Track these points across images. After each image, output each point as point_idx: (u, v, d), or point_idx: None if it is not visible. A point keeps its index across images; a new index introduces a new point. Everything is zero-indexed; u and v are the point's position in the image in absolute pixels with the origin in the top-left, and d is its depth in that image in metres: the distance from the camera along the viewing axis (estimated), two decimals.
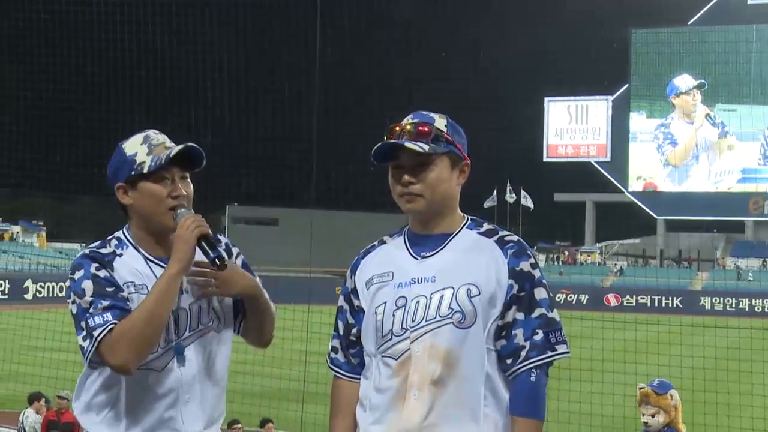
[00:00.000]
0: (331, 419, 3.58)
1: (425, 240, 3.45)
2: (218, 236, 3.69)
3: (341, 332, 3.59)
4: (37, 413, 14.88)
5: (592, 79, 75.41)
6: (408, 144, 3.35)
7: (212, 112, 65.81)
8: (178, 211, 3.52)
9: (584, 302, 57.33)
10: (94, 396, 3.57)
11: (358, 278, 3.55)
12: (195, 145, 3.57)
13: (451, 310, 3.31)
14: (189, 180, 3.63)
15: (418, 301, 3.35)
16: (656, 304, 57.31)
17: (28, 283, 51.11)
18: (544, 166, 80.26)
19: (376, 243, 3.63)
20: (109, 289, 3.45)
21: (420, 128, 3.39)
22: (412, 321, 3.33)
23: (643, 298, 58.95)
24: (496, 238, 3.42)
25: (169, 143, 3.59)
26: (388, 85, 71.48)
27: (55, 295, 49.74)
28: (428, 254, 3.41)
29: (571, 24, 74.58)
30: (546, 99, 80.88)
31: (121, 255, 3.57)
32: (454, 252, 3.41)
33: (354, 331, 3.53)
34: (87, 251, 3.58)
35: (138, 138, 3.61)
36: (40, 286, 51.01)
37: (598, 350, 17.79)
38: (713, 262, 73.31)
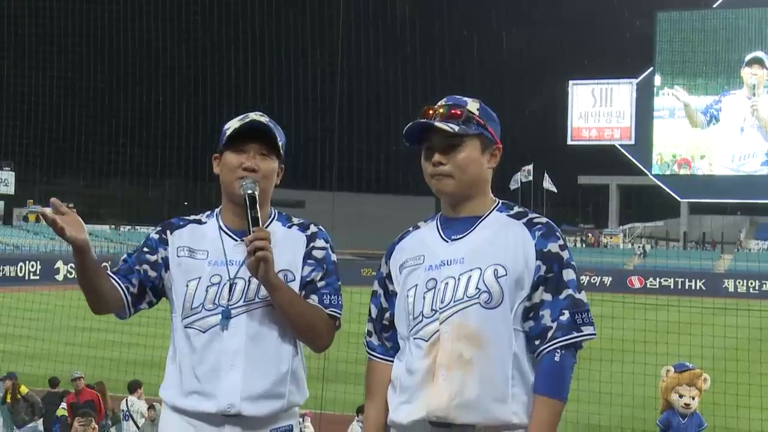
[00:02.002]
0: (365, 401, 3.63)
1: (455, 223, 3.48)
2: (310, 224, 3.83)
3: (374, 316, 3.62)
4: (139, 399, 15.04)
5: (617, 62, 75.19)
6: (438, 123, 3.40)
7: (236, 96, 65.94)
8: (243, 183, 3.64)
9: (608, 284, 57.25)
10: (167, 363, 3.78)
11: (392, 263, 3.58)
12: (264, 121, 3.72)
13: (478, 290, 3.33)
14: (270, 158, 3.73)
15: (447, 283, 3.37)
16: (679, 287, 57.14)
17: (59, 264, 51.50)
18: (568, 148, 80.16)
19: (410, 228, 3.65)
20: (145, 249, 3.77)
21: (452, 111, 3.44)
22: (441, 302, 3.35)
23: (666, 281, 58.83)
24: (525, 220, 3.44)
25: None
26: (412, 69, 71.36)
27: None
28: (458, 237, 3.44)
29: (596, 7, 74.34)
30: (570, 82, 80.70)
31: (204, 223, 3.81)
32: (483, 234, 3.42)
33: (387, 315, 3.56)
34: (172, 218, 3.89)
35: (240, 116, 3.77)
36: (71, 267, 51.35)
37: (620, 330, 17.88)
38: (736, 244, 73.10)
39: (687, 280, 58.24)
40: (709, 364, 15.63)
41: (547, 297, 3.35)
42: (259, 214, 3.59)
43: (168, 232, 3.77)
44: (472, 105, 3.49)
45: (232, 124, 3.72)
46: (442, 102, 3.51)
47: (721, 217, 74.00)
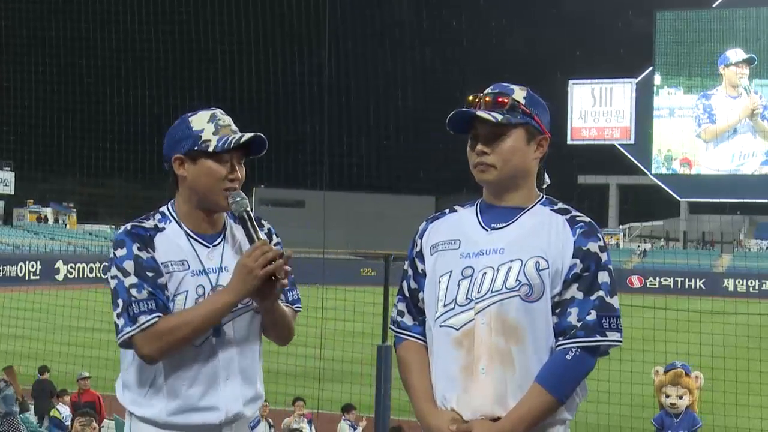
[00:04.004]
0: (408, 377, 3.47)
1: (497, 211, 3.40)
2: (261, 220, 3.71)
3: (407, 295, 3.52)
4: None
5: (617, 61, 75.26)
6: (479, 113, 3.34)
7: (223, 89, 65.70)
8: (234, 198, 3.56)
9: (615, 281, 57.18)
10: (133, 374, 3.60)
11: (425, 242, 3.49)
12: (263, 135, 3.60)
13: (518, 282, 3.25)
14: (242, 165, 3.63)
15: (485, 273, 3.29)
16: (679, 286, 57.20)
17: (59, 264, 51.56)
18: (568, 148, 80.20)
19: (446, 210, 3.56)
20: (150, 274, 3.46)
21: (498, 99, 3.37)
22: (478, 292, 3.27)
23: (666, 280, 58.88)
24: (568, 216, 3.38)
25: (233, 126, 3.63)
26: (401, 67, 71.18)
27: (85, 276, 50.27)
28: (499, 226, 3.36)
29: (596, 7, 74.43)
30: (570, 82, 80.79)
31: (163, 229, 3.59)
32: (525, 225, 3.35)
33: (420, 296, 3.46)
34: (129, 227, 3.56)
35: (205, 115, 3.63)
36: (71, 267, 51.50)
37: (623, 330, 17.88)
38: (736, 243, 73.19)
39: (687, 279, 58.30)
40: (708, 363, 15.65)
41: (579, 295, 3.28)
42: (259, 232, 3.54)
43: (148, 248, 3.53)
44: (519, 93, 3.42)
45: (204, 125, 3.60)
46: (488, 90, 3.44)
47: (721, 216, 74.03)
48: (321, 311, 15.15)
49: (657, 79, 79.23)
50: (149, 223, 3.60)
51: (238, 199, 3.57)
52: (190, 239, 3.62)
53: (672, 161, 78.99)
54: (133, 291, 3.44)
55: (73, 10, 63.18)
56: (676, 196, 78.73)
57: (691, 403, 7.63)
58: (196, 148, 3.58)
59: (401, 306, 3.55)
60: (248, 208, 3.57)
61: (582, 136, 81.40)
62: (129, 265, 3.47)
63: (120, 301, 3.46)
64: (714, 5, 77.19)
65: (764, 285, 56.87)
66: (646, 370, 14.99)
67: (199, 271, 3.58)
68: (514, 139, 3.37)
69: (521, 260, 3.28)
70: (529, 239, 3.32)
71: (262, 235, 3.56)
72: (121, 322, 3.45)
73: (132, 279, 3.45)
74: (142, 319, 3.41)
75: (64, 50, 64.23)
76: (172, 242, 3.59)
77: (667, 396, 7.58)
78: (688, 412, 7.62)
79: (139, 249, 3.50)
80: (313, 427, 15.61)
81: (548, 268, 3.27)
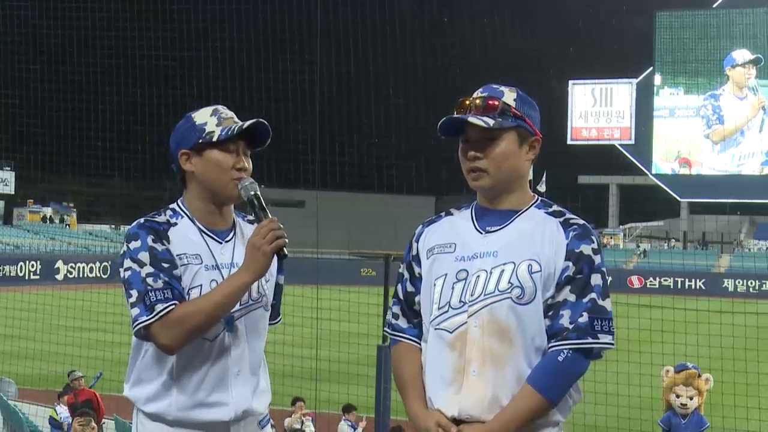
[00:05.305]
0: (401, 379, 3.52)
1: (492, 215, 3.41)
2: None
3: (402, 298, 3.55)
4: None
5: (617, 62, 75.18)
6: (471, 119, 3.33)
7: (223, 88, 65.63)
8: (243, 183, 3.59)
9: (608, 284, 57.13)
10: (143, 370, 3.60)
11: (421, 245, 3.50)
12: (265, 122, 3.63)
13: (510, 285, 3.27)
14: (249, 157, 3.67)
15: (478, 276, 3.30)
16: (679, 287, 57.09)
17: (59, 264, 51.52)
18: (568, 148, 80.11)
19: (442, 213, 3.58)
20: (165, 265, 3.47)
21: (489, 102, 3.37)
22: (471, 295, 3.29)
23: (666, 281, 58.80)
24: (561, 219, 3.39)
25: (236, 118, 3.65)
26: (408, 66, 71.03)
27: (85, 275, 50.27)
28: (493, 229, 3.38)
29: (596, 7, 74.39)
30: (570, 82, 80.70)
31: (175, 224, 3.61)
32: (518, 228, 3.36)
33: (417, 299, 3.48)
34: (143, 220, 3.58)
35: (207, 110, 3.68)
36: (71, 267, 51.47)
37: (619, 330, 17.81)
38: (736, 244, 73.12)
39: (687, 279, 58.19)
40: (708, 364, 15.63)
41: (571, 297, 3.30)
42: (267, 212, 3.58)
43: (163, 240, 3.55)
44: (509, 96, 3.43)
45: (207, 118, 3.65)
46: (478, 93, 3.44)
47: (720, 217, 73.98)
48: (317, 311, 15.13)
49: (657, 79, 79.07)
50: (161, 218, 3.63)
51: (247, 183, 3.60)
52: (203, 234, 3.64)
53: (672, 161, 78.87)
54: (149, 280, 3.43)
55: (72, 9, 63.14)
56: (676, 196, 78.62)
57: (699, 405, 7.67)
58: (200, 140, 3.62)
59: (396, 309, 3.57)
60: (257, 192, 3.60)
61: (582, 136, 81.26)
62: (144, 255, 3.47)
63: (135, 291, 3.45)
64: (714, 5, 77.08)
65: (764, 285, 56.75)
66: (645, 371, 15.05)
67: (213, 265, 3.61)
68: (507, 142, 3.39)
69: (514, 263, 3.30)
70: (523, 243, 3.33)
71: (270, 215, 3.58)
72: (136, 311, 3.44)
73: (148, 269, 3.45)
74: (159, 307, 3.41)
75: (63, 49, 64.21)
76: (185, 236, 3.61)
77: (678, 396, 7.59)
78: (696, 414, 7.65)
79: (154, 241, 3.51)
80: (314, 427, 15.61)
81: (541, 271, 3.29)
